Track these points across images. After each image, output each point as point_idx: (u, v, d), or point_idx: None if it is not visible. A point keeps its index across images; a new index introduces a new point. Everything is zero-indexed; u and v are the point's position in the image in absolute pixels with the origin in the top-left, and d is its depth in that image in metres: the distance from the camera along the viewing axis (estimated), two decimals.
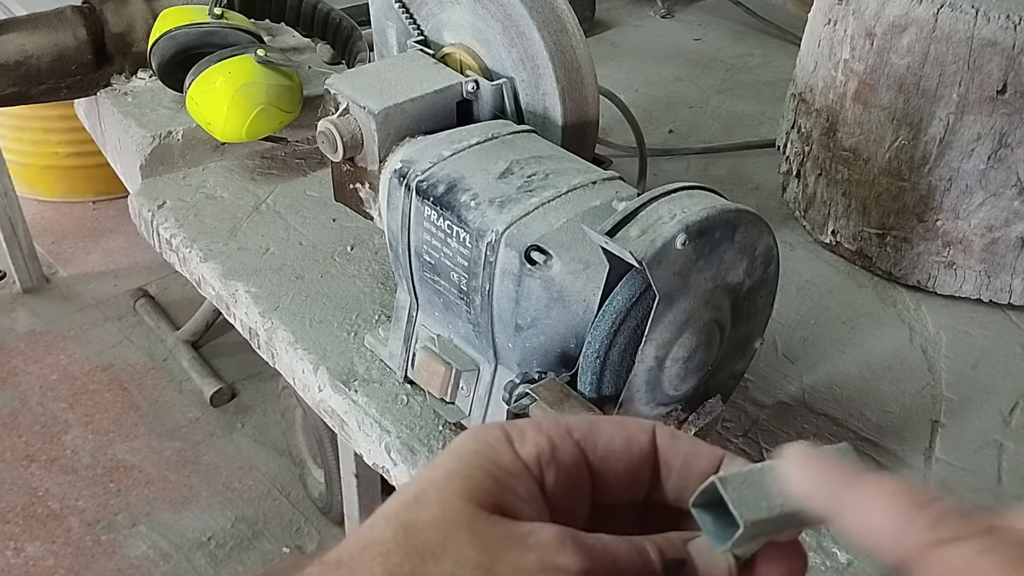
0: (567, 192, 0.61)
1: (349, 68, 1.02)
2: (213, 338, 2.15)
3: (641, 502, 0.35)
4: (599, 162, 0.73)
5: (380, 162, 0.70)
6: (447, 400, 0.67)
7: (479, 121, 0.72)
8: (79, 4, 1.04)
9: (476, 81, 0.72)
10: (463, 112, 0.73)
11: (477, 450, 0.32)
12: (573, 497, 0.33)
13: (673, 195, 0.56)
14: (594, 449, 0.34)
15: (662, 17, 1.40)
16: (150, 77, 1.06)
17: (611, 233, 0.54)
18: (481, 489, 0.31)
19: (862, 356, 0.78)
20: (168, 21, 0.98)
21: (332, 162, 0.74)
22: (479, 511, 0.30)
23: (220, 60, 0.92)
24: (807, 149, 0.90)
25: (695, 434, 0.61)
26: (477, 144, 0.66)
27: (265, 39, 1.02)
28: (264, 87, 0.93)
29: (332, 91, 0.71)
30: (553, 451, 0.33)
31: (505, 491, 0.31)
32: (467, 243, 0.60)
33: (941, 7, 0.75)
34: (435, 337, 0.68)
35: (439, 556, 0.29)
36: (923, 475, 0.68)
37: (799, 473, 0.30)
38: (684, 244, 0.53)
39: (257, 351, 0.84)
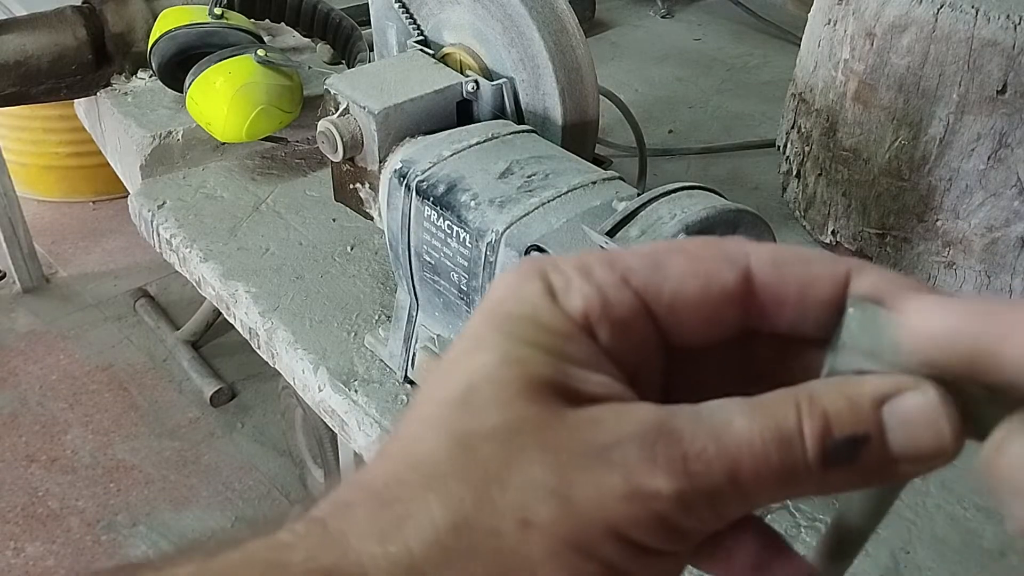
0: (567, 192, 0.61)
1: (349, 68, 1.02)
2: (213, 338, 2.15)
3: (751, 333, 0.27)
4: (599, 162, 0.73)
5: (380, 162, 0.70)
6: None
7: (479, 121, 0.72)
8: (79, 4, 1.04)
9: (476, 81, 0.72)
10: (463, 112, 0.73)
11: (519, 313, 0.26)
12: (638, 351, 0.27)
13: (673, 195, 0.56)
14: (658, 297, 0.26)
15: (662, 17, 1.40)
16: (150, 77, 1.06)
17: (611, 233, 0.54)
18: (540, 375, 0.25)
19: None
20: (168, 21, 0.98)
21: (332, 162, 0.74)
22: (545, 410, 0.24)
23: (220, 60, 0.92)
24: (807, 149, 0.90)
25: None
26: (477, 144, 0.66)
27: (265, 39, 1.02)
28: (264, 87, 0.93)
29: (332, 91, 0.71)
30: (604, 305, 0.26)
31: (564, 366, 0.25)
32: (467, 243, 0.60)
33: (941, 7, 0.75)
34: (435, 337, 0.68)
35: (505, 481, 0.24)
36: (923, 475, 0.68)
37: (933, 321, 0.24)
38: None
39: (257, 351, 0.84)
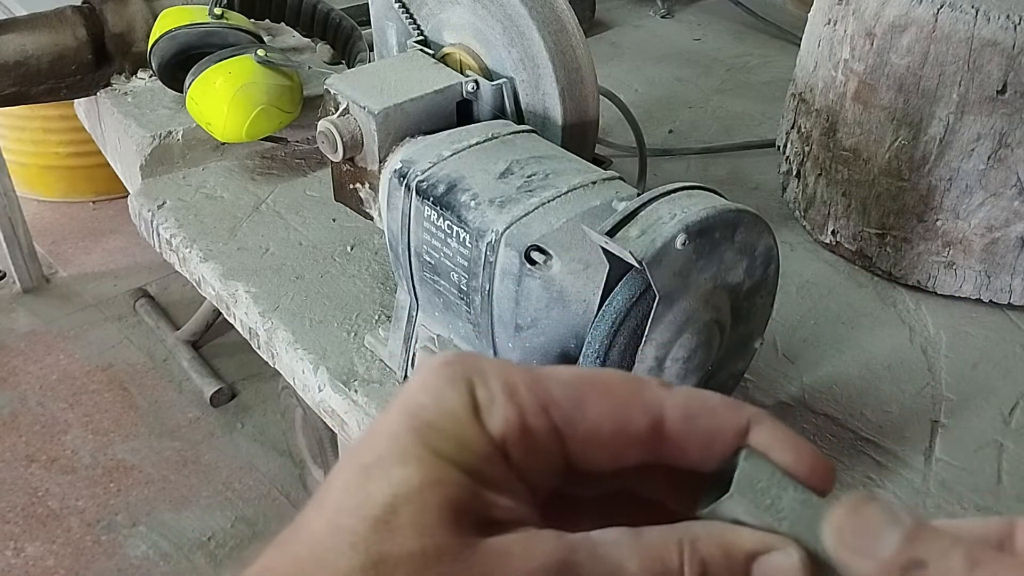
0: (567, 192, 0.61)
1: (349, 68, 1.02)
2: (213, 338, 2.15)
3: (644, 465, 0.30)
4: (599, 162, 0.73)
5: (380, 162, 0.70)
6: None
7: (479, 121, 0.72)
8: (79, 4, 1.04)
9: (476, 81, 0.72)
10: (463, 112, 0.73)
11: (442, 427, 0.27)
12: (540, 473, 0.29)
13: (673, 195, 0.56)
14: (574, 431, 0.28)
15: (662, 17, 1.40)
16: (150, 77, 1.06)
17: (611, 233, 0.54)
18: (459, 499, 0.26)
19: (862, 356, 0.78)
20: (168, 21, 0.98)
21: (332, 162, 0.74)
22: (461, 541, 0.26)
23: (220, 60, 0.92)
24: (807, 149, 0.90)
25: None
26: (477, 144, 0.66)
27: (265, 39, 1.02)
28: (264, 87, 0.93)
29: (332, 91, 0.71)
30: (523, 430, 0.28)
31: (480, 488, 0.27)
32: (467, 243, 0.60)
33: (941, 7, 0.75)
34: (435, 337, 0.68)
35: None
36: (923, 475, 0.68)
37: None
38: (684, 244, 0.53)
39: (257, 351, 0.84)
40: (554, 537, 0.27)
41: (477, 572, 0.25)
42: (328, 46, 1.10)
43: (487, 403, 0.28)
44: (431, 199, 0.62)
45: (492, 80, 0.73)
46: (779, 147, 0.98)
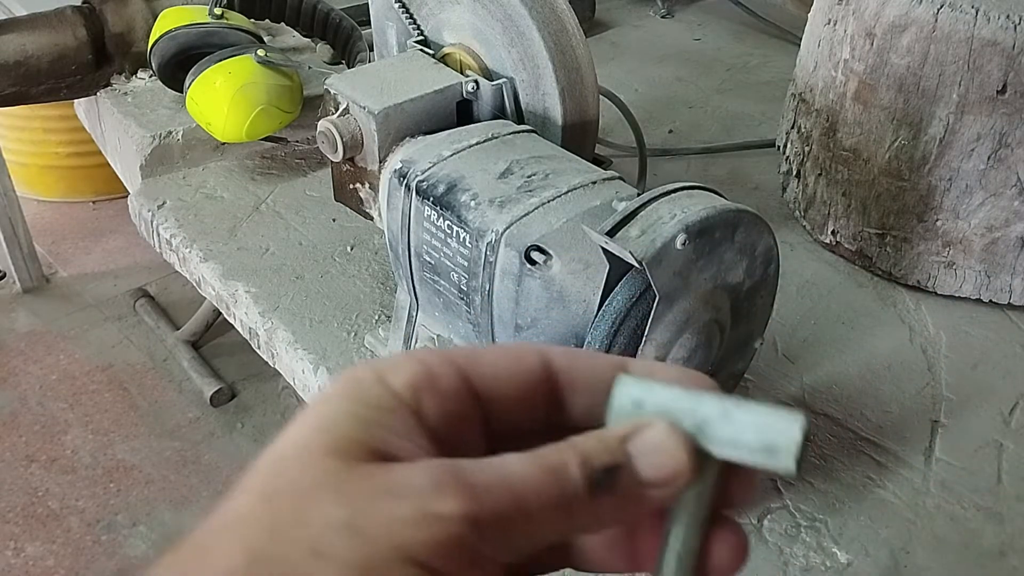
0: (567, 192, 0.61)
1: (349, 68, 1.02)
2: (213, 338, 2.15)
3: (555, 427, 0.31)
4: (599, 162, 0.73)
5: (380, 162, 0.70)
6: None
7: (479, 121, 0.72)
8: (79, 4, 1.04)
9: (476, 81, 0.72)
10: (463, 112, 0.73)
11: (343, 392, 0.29)
12: (461, 427, 0.30)
13: (673, 195, 0.56)
14: (478, 373, 0.30)
15: (662, 17, 1.40)
16: (150, 77, 1.06)
17: (611, 233, 0.54)
18: (346, 438, 0.27)
19: (862, 356, 0.78)
20: (168, 21, 0.98)
21: (332, 162, 0.74)
22: (345, 464, 0.26)
23: (220, 60, 0.92)
24: (807, 149, 0.90)
25: None
26: (477, 144, 0.66)
27: (265, 39, 1.02)
28: (264, 87, 0.93)
29: (332, 91, 0.71)
30: (429, 377, 0.29)
31: (376, 431, 0.27)
32: (467, 243, 0.60)
33: (941, 7, 0.75)
34: (435, 337, 0.68)
35: (302, 522, 0.25)
36: (923, 475, 0.68)
37: None
38: (684, 244, 0.53)
39: (257, 351, 0.84)
40: (444, 458, 0.28)
41: (360, 483, 0.26)
42: (328, 46, 1.10)
43: (391, 368, 0.29)
44: (431, 199, 0.62)
45: (492, 80, 0.73)
46: (779, 147, 0.98)
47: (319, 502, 0.25)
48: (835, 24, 0.85)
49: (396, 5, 0.79)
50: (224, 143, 0.99)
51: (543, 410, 0.31)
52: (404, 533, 0.25)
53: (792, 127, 0.94)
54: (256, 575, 0.25)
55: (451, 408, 0.29)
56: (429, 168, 0.64)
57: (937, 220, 0.81)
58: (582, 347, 0.56)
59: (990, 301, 0.83)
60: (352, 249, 0.89)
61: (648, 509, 0.28)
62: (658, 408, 0.28)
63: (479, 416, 0.30)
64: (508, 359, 0.31)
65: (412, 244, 0.65)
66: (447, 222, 0.61)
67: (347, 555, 0.25)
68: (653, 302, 0.54)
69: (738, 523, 0.29)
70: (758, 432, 0.27)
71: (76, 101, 1.16)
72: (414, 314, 0.70)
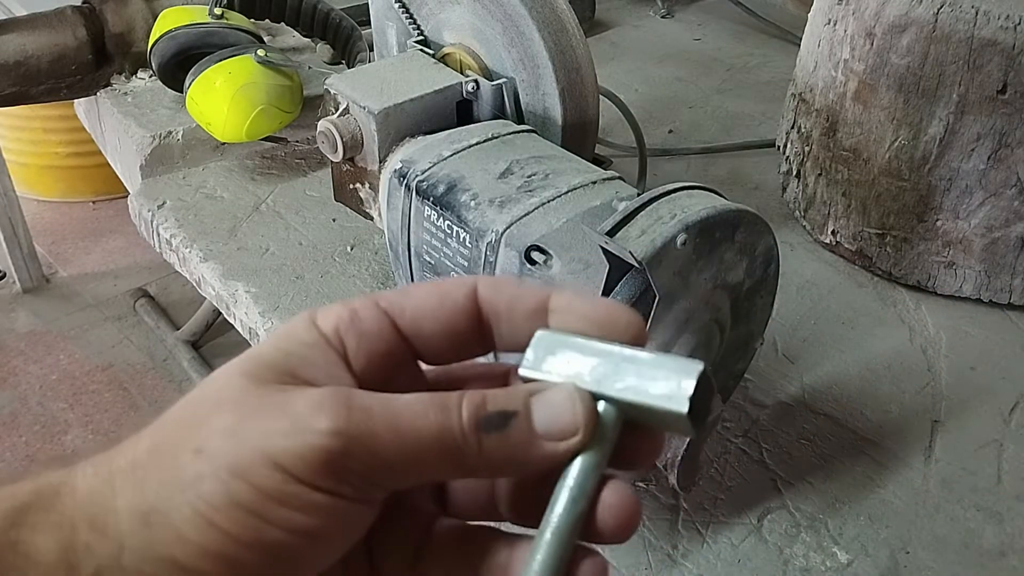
0: (567, 192, 0.61)
1: (349, 68, 1.02)
2: (213, 338, 2.15)
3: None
4: (599, 162, 0.73)
5: (380, 162, 0.70)
6: None
7: (479, 121, 0.72)
8: (79, 4, 1.04)
9: (476, 81, 0.72)
10: (463, 112, 0.73)
11: (278, 333, 0.31)
12: (387, 364, 0.31)
13: (673, 195, 0.56)
14: (402, 312, 0.31)
15: (662, 17, 1.40)
16: (150, 77, 1.06)
17: (611, 233, 0.54)
18: (264, 363, 0.29)
19: (862, 356, 0.78)
20: (168, 21, 0.98)
21: (332, 162, 0.74)
22: (253, 384, 0.29)
23: (220, 60, 0.92)
24: (807, 149, 0.90)
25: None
26: (477, 144, 0.66)
27: (265, 39, 1.02)
28: (264, 87, 0.93)
29: (332, 91, 0.71)
30: (352, 318, 0.31)
31: (294, 361, 0.30)
32: (467, 243, 0.60)
33: (941, 7, 0.75)
34: None
35: (199, 424, 0.28)
36: (923, 475, 0.68)
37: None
38: (684, 244, 0.53)
39: None
40: (342, 389, 0.29)
41: (257, 398, 0.28)
42: (328, 46, 1.10)
43: (324, 312, 0.31)
44: (431, 199, 0.62)
45: (492, 80, 0.73)
46: (779, 147, 0.98)
47: (218, 411, 0.28)
48: (835, 24, 0.85)
49: (396, 5, 0.79)
50: (224, 143, 0.99)
51: (473, 344, 0.32)
52: (275, 442, 0.27)
53: (792, 127, 0.94)
54: (149, 463, 0.28)
55: (375, 347, 0.31)
56: (429, 168, 0.64)
57: (937, 220, 0.81)
58: None
59: (990, 301, 0.83)
60: (352, 249, 0.89)
61: (542, 464, 0.29)
62: (567, 362, 0.29)
63: (407, 352, 0.31)
64: (434, 296, 0.31)
65: (412, 244, 0.65)
66: (447, 222, 0.61)
67: (221, 454, 0.27)
68: (653, 302, 0.54)
69: (630, 486, 0.30)
70: (657, 378, 0.28)
71: (76, 101, 1.16)
72: None
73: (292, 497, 0.27)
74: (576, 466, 0.29)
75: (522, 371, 0.30)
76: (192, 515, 0.27)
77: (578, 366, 0.29)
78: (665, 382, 0.28)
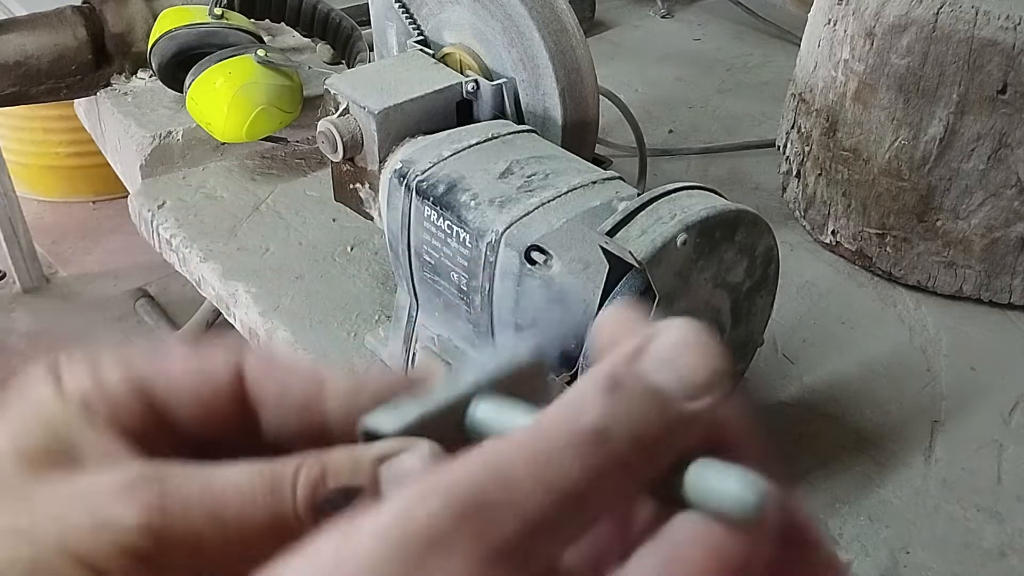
0: (567, 192, 0.61)
1: (349, 68, 1.02)
2: (213, 338, 2.15)
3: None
4: (599, 162, 0.73)
5: (380, 162, 0.70)
6: None
7: (479, 121, 0.72)
8: (79, 4, 1.04)
9: (476, 81, 0.72)
10: (463, 112, 0.73)
11: (23, 406, 0.27)
12: (154, 435, 0.27)
13: (673, 195, 0.56)
14: (153, 387, 0.27)
15: (662, 17, 1.40)
16: (150, 77, 1.06)
17: (611, 233, 0.54)
18: (30, 445, 0.26)
19: (862, 356, 0.78)
20: (168, 21, 0.98)
21: (332, 162, 0.74)
22: (31, 471, 0.25)
23: (220, 60, 0.92)
24: (807, 149, 0.90)
25: None
26: (477, 144, 0.66)
27: (265, 39, 1.02)
28: (264, 87, 0.93)
29: (332, 91, 0.71)
30: (98, 387, 0.27)
31: (56, 438, 0.26)
32: (467, 243, 0.60)
33: (941, 7, 0.75)
34: (435, 337, 0.68)
35: None
36: (923, 475, 0.68)
37: None
38: (684, 244, 0.53)
39: None
40: (149, 461, 0.25)
41: (43, 491, 0.25)
42: (328, 46, 1.10)
43: (68, 368, 0.27)
44: (431, 199, 0.62)
45: (492, 80, 0.73)
46: (779, 147, 0.98)
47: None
48: (835, 24, 0.85)
49: (396, 5, 0.79)
50: (224, 143, 0.99)
51: (237, 426, 0.28)
52: (78, 540, 0.24)
53: (792, 127, 0.94)
54: None
55: (128, 423, 0.27)
56: (429, 168, 0.64)
57: (937, 220, 0.81)
58: (582, 347, 0.56)
59: (990, 301, 0.83)
60: (352, 249, 0.89)
61: None
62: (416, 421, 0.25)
63: (170, 427, 0.28)
64: (192, 371, 0.28)
65: (412, 244, 0.65)
66: (447, 222, 0.61)
67: (11, 556, 0.24)
68: (653, 302, 0.54)
69: None
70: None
71: (76, 101, 1.16)
72: (414, 314, 0.70)
73: None
74: None
75: (368, 422, 0.25)
76: None
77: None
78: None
